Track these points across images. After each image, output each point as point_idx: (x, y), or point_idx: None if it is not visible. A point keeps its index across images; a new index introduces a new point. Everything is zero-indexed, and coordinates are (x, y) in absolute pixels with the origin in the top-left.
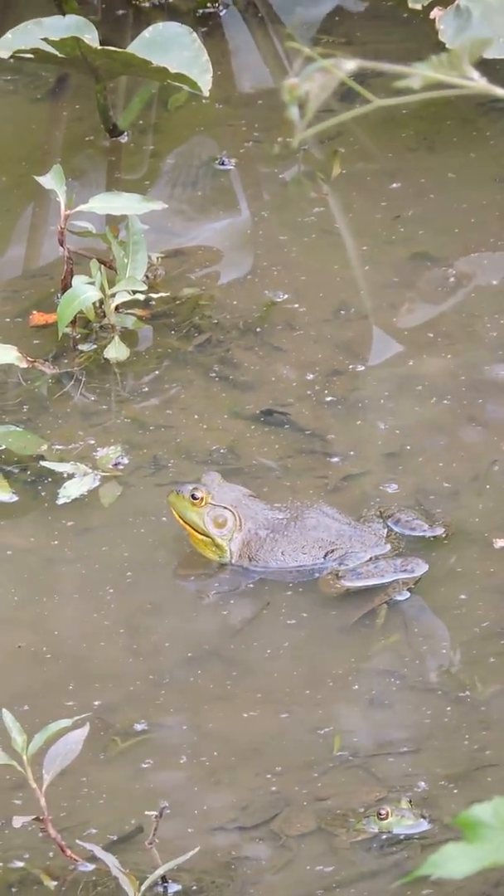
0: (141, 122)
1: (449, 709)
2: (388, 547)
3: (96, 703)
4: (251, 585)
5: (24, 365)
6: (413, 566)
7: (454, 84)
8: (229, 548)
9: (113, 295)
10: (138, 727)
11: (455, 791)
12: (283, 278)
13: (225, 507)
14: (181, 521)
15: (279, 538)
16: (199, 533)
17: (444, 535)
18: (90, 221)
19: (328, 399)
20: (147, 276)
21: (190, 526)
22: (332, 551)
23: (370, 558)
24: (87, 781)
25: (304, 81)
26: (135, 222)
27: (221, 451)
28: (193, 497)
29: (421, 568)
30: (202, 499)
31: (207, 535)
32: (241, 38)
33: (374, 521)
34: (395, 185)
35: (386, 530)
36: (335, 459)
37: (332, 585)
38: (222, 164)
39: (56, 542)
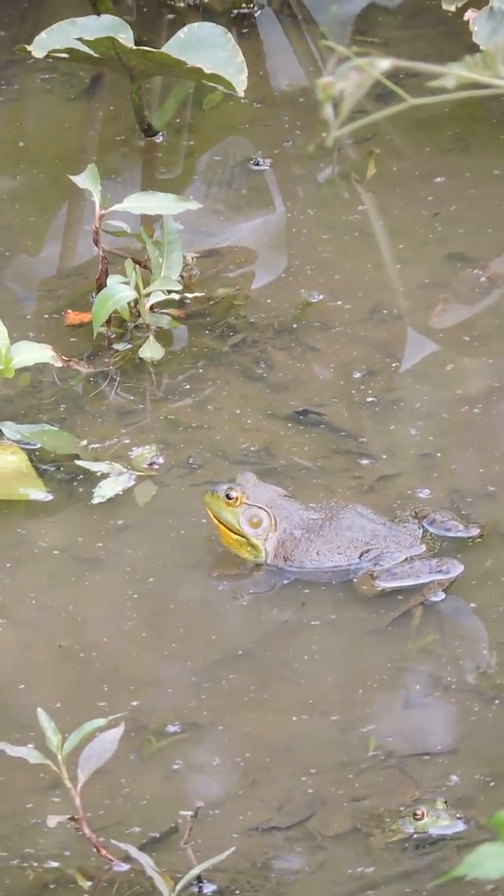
0: (176, 121)
1: (485, 709)
2: (424, 547)
3: (132, 703)
4: (286, 585)
5: (59, 364)
6: (448, 567)
7: (488, 84)
8: (264, 548)
9: (148, 294)
10: (172, 728)
11: (491, 791)
12: (317, 278)
13: (260, 507)
14: (216, 521)
15: (314, 538)
16: (235, 533)
17: (479, 536)
18: (125, 221)
19: (364, 400)
20: (182, 276)
21: (225, 526)
22: (368, 552)
23: (405, 559)
24: (122, 782)
25: (338, 80)
26: (170, 222)
27: (256, 450)
28: (228, 497)
29: (456, 569)
30: (237, 499)
31: (242, 535)
32: (275, 39)
33: (409, 521)
34: (437, 179)
35: (421, 531)
36: (370, 460)
37: (368, 586)
38: (257, 164)
39: (91, 542)
